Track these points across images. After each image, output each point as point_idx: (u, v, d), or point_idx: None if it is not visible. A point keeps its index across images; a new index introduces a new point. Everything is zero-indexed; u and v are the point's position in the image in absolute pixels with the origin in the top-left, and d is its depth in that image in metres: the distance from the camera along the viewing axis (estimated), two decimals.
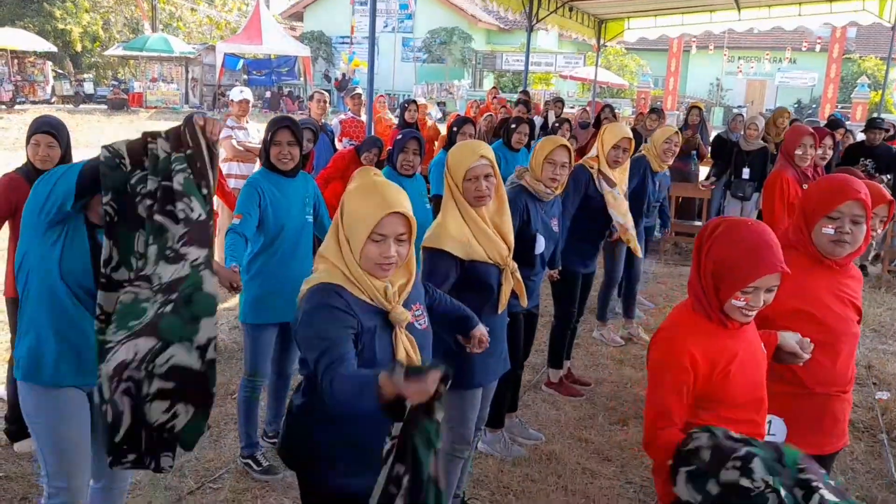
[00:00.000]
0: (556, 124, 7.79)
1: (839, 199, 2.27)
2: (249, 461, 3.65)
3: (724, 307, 1.99)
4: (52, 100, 24.94)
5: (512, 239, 3.03)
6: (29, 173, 3.45)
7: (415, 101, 8.38)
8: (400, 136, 4.41)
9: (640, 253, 5.11)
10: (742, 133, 8.12)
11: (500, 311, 3.04)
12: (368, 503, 1.82)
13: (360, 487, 2.00)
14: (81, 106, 24.48)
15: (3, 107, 21.81)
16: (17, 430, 3.63)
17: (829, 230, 2.31)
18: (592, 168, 4.64)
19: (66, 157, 3.50)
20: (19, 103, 22.81)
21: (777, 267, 1.92)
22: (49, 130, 3.43)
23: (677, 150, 5.50)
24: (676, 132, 5.53)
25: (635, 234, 4.89)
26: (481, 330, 2.60)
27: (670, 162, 5.51)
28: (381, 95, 11.59)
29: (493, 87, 13.89)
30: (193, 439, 2.23)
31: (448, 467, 3.05)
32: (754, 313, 2.00)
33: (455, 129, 5.88)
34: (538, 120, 10.55)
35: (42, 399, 2.38)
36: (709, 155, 9.21)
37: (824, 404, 2.49)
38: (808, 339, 2.22)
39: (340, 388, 1.82)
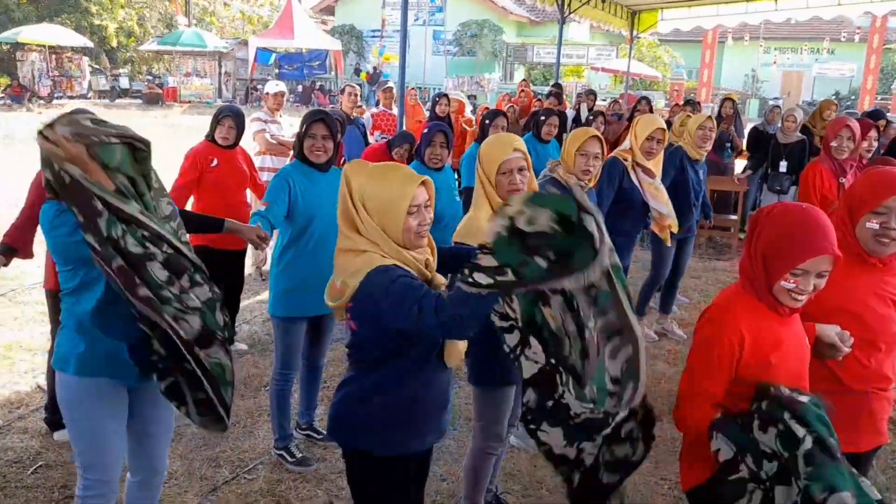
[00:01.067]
0: (591, 117, 7.71)
1: (886, 193, 2.20)
2: (283, 452, 3.67)
3: (774, 289, 1.96)
4: (89, 95, 25.36)
5: None
6: None
7: (446, 95, 8.35)
8: (427, 130, 4.38)
9: (669, 241, 5.02)
10: (780, 125, 7.98)
11: None
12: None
13: (418, 448, 2.26)
14: (117, 101, 24.86)
15: (42, 102, 22.24)
16: (58, 419, 3.70)
17: (873, 225, 2.25)
18: (626, 160, 4.59)
19: None
20: (57, 98, 23.22)
21: (828, 249, 1.89)
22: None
23: (713, 135, 5.39)
24: (709, 117, 5.42)
25: (676, 223, 4.82)
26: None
27: (708, 147, 5.37)
28: (412, 89, 11.60)
29: (524, 80, 13.84)
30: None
31: (481, 464, 3.04)
32: (804, 298, 1.97)
33: (487, 121, 5.85)
34: (570, 113, 10.49)
35: (76, 390, 2.39)
36: (744, 147, 9.10)
37: (861, 402, 2.44)
38: (848, 333, 2.17)
39: (450, 310, 1.84)
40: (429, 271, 2.19)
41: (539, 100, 11.70)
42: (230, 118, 4.70)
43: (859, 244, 2.30)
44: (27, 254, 3.61)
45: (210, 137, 4.73)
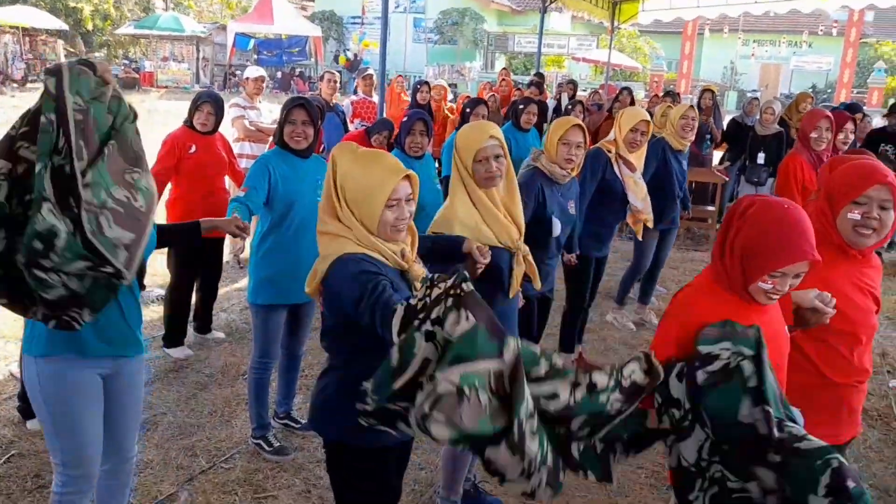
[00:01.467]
0: (569, 106, 7.71)
1: (867, 183, 2.18)
2: (261, 441, 3.65)
3: (749, 288, 1.93)
4: None
5: (523, 221, 2.99)
6: None
7: (427, 83, 8.31)
8: (406, 118, 4.36)
9: (640, 235, 5.03)
10: (758, 117, 8.04)
11: (511, 296, 3.01)
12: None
13: (398, 439, 2.16)
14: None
15: (15, 85, 21.83)
16: (30, 408, 3.65)
17: (854, 215, 2.23)
18: (610, 152, 4.60)
19: None
20: (31, 82, 22.81)
21: (809, 254, 1.86)
22: None
23: (695, 125, 5.38)
24: (692, 107, 5.42)
25: (651, 218, 4.83)
26: (470, 242, 2.58)
27: (691, 137, 5.38)
28: (400, 76, 11.53)
29: (504, 69, 13.78)
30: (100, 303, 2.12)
31: (460, 453, 3.04)
32: (778, 297, 1.94)
33: (468, 110, 5.83)
34: (551, 103, 10.49)
35: (50, 379, 2.32)
36: (720, 139, 9.16)
37: (842, 395, 2.45)
38: (829, 294, 2.10)
39: (390, 310, 1.79)
40: (405, 262, 2.16)
41: (519, 89, 11.68)
42: (209, 104, 4.64)
43: (840, 236, 2.29)
44: None
45: (188, 123, 4.67)
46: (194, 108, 4.66)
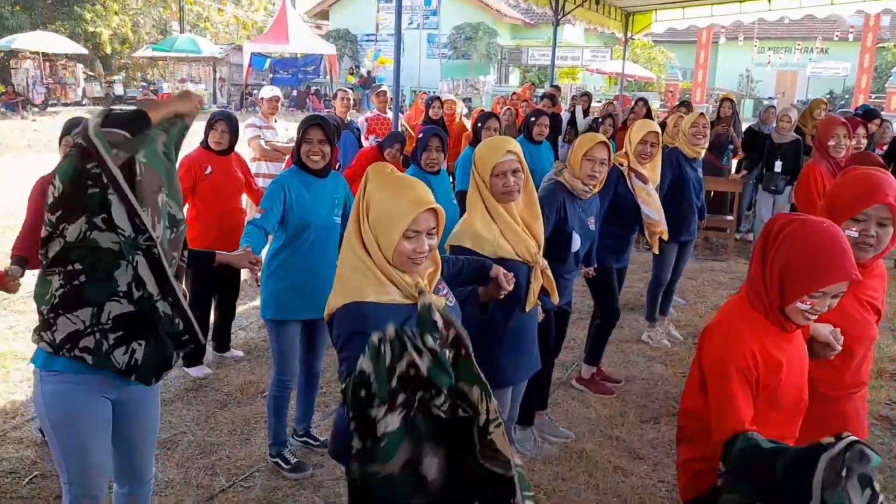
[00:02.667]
0: (599, 119, 7.55)
1: (866, 202, 2.17)
2: (278, 459, 3.65)
3: (787, 309, 1.91)
4: (84, 102, 25.30)
5: (542, 235, 2.99)
6: None
7: (439, 98, 8.35)
8: (422, 134, 4.38)
9: (656, 249, 5.00)
10: (774, 125, 7.99)
11: (528, 310, 3.00)
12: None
13: None
14: (112, 107, 24.82)
15: (36, 109, 22.18)
16: None
17: (852, 233, 2.21)
18: (622, 166, 4.60)
19: None
20: (51, 105, 23.18)
21: (851, 274, 1.84)
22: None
23: (707, 131, 5.34)
24: (702, 114, 5.39)
25: (666, 230, 4.81)
26: (497, 269, 2.60)
27: (704, 144, 5.33)
28: (424, 93, 11.58)
29: (531, 84, 13.76)
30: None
31: None
32: (816, 317, 1.93)
33: (479, 124, 5.84)
34: (565, 115, 10.49)
35: (57, 398, 2.29)
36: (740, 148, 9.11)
37: (833, 406, 2.43)
38: (839, 330, 2.14)
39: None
40: (417, 293, 2.08)
41: (528, 102, 11.67)
42: (222, 122, 4.69)
43: None
44: (35, 263, 3.59)
45: (204, 143, 4.72)
46: (209, 127, 4.71)
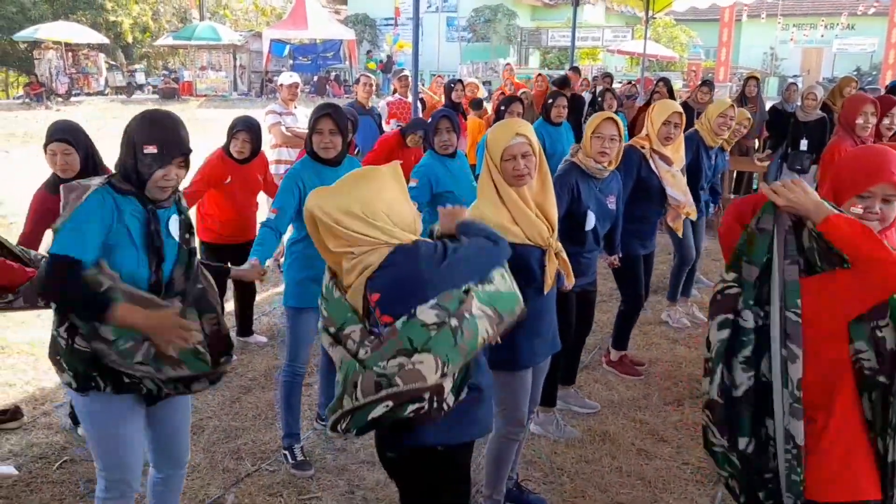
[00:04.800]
0: (599, 98, 7.48)
1: (872, 180, 2.14)
2: (286, 452, 3.62)
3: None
4: (106, 91, 25.47)
5: (556, 218, 2.95)
6: (54, 185, 3.43)
7: (461, 81, 8.30)
8: (430, 119, 4.32)
9: (680, 231, 5.02)
10: (799, 103, 7.86)
11: (545, 292, 2.98)
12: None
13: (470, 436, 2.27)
14: (134, 96, 24.97)
15: (60, 99, 22.37)
16: None
17: (857, 210, 2.20)
18: (644, 148, 4.53)
19: (88, 160, 3.48)
20: (74, 95, 23.36)
21: (893, 177, 2.05)
22: (63, 138, 3.41)
23: (733, 123, 5.29)
24: (731, 106, 5.30)
25: (695, 210, 4.80)
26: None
27: (725, 135, 5.29)
28: (440, 76, 11.53)
29: (539, 74, 13.57)
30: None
31: (503, 450, 3.04)
32: (873, 223, 2.04)
33: (503, 107, 5.81)
34: (587, 96, 10.38)
35: (86, 406, 2.39)
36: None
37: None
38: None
39: None
40: None
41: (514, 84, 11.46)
42: (244, 132, 4.65)
43: None
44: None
45: (226, 149, 4.70)
46: (230, 136, 4.68)
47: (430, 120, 4.33)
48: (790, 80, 11.37)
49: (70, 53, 24.59)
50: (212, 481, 3.46)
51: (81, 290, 2.18)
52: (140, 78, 27.68)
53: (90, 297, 2.18)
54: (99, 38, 25.27)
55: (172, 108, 21.91)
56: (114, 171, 2.39)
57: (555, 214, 2.94)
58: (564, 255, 2.99)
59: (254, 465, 3.60)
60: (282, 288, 5.96)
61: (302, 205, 3.39)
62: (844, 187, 2.22)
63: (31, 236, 3.49)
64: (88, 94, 24.28)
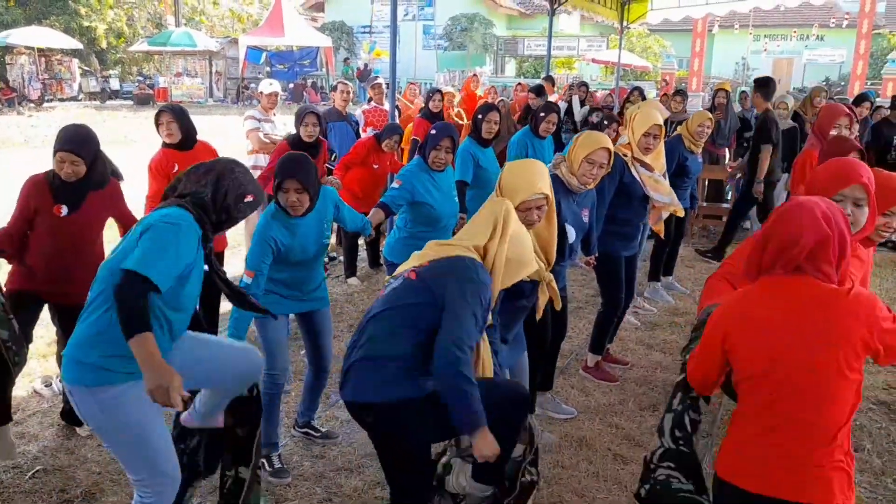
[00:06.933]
0: (605, 122, 7.31)
1: (843, 183, 2.33)
2: (263, 461, 3.53)
3: None
4: (80, 97, 25.25)
5: (554, 253, 3.07)
6: (54, 180, 3.47)
7: (440, 91, 8.32)
8: (434, 132, 4.20)
9: (662, 234, 5.36)
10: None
11: (538, 319, 3.11)
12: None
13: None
14: (108, 102, 24.80)
15: (32, 105, 22.13)
16: (73, 413, 3.80)
17: None
18: (626, 156, 4.60)
19: (94, 164, 3.50)
20: (47, 101, 23.12)
21: (861, 179, 2.27)
22: (72, 149, 3.41)
23: (710, 132, 5.86)
24: (710, 119, 5.83)
25: (682, 208, 5.08)
26: None
27: (702, 143, 5.84)
28: (412, 83, 11.55)
29: (519, 84, 13.66)
30: None
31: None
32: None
33: (480, 116, 5.83)
34: (562, 105, 10.46)
35: (102, 401, 2.39)
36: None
37: None
38: None
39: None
40: None
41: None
42: (166, 113, 4.52)
43: None
44: (12, 258, 3.60)
45: (163, 143, 4.59)
46: (157, 124, 4.56)
47: (433, 131, 4.22)
48: (741, 90, 11.78)
49: (43, 59, 24.36)
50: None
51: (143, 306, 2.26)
52: (114, 84, 27.48)
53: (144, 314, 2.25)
54: (72, 43, 25.04)
55: (147, 114, 21.71)
56: (184, 198, 2.49)
57: (553, 251, 3.05)
58: (555, 284, 3.09)
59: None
60: None
61: (275, 255, 3.31)
62: (818, 192, 2.31)
63: (19, 221, 3.53)
64: (62, 100, 24.05)
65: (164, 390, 2.19)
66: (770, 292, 2.02)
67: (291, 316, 3.78)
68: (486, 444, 2.35)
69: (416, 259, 2.62)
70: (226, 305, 5.08)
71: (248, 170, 2.66)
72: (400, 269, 2.66)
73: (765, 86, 7.48)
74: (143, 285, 2.24)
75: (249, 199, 2.59)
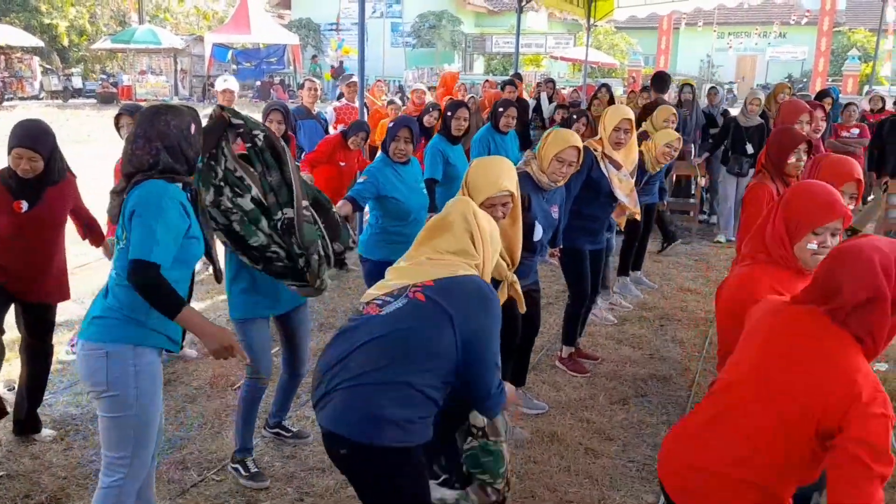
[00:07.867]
0: (574, 117, 7.28)
1: (827, 217, 2.28)
2: (239, 466, 3.52)
3: (795, 250, 2.29)
4: (41, 95, 24.78)
5: (519, 253, 3.07)
6: (9, 179, 3.43)
7: (438, 108, 8.12)
8: (392, 124, 4.27)
9: (623, 227, 5.42)
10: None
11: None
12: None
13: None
14: (71, 101, 24.36)
15: None
16: (26, 423, 3.80)
17: (813, 245, 2.32)
18: (596, 151, 4.64)
19: (51, 160, 3.45)
20: (7, 100, 22.66)
21: (841, 212, 2.25)
22: (30, 146, 3.36)
23: (676, 154, 5.73)
24: (679, 139, 5.62)
25: (639, 211, 5.10)
26: None
27: (665, 163, 5.72)
28: (380, 80, 11.51)
29: (487, 80, 13.70)
30: None
31: None
32: (823, 256, 2.11)
33: (449, 113, 5.83)
34: (531, 102, 10.51)
35: (138, 364, 2.47)
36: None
37: None
38: None
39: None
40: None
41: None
42: (125, 116, 4.67)
43: (797, 262, 2.35)
44: None
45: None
46: (116, 126, 4.75)
47: (391, 124, 4.26)
48: (709, 86, 11.99)
49: (3, 56, 23.86)
50: (157, 493, 3.38)
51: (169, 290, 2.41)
52: (77, 82, 26.98)
53: (171, 293, 2.41)
54: (33, 40, 24.55)
55: (111, 112, 21.36)
56: (147, 169, 2.46)
57: (519, 247, 3.05)
58: (518, 286, 3.11)
59: (200, 476, 3.54)
60: (220, 300, 5.86)
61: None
62: (800, 224, 2.34)
63: None
64: (23, 99, 23.58)
65: (226, 349, 2.47)
66: (790, 319, 1.98)
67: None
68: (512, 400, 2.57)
69: (410, 275, 2.32)
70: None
71: (164, 103, 2.64)
72: (388, 285, 2.35)
73: (661, 81, 8.45)
74: (151, 269, 2.36)
75: (193, 127, 2.58)
